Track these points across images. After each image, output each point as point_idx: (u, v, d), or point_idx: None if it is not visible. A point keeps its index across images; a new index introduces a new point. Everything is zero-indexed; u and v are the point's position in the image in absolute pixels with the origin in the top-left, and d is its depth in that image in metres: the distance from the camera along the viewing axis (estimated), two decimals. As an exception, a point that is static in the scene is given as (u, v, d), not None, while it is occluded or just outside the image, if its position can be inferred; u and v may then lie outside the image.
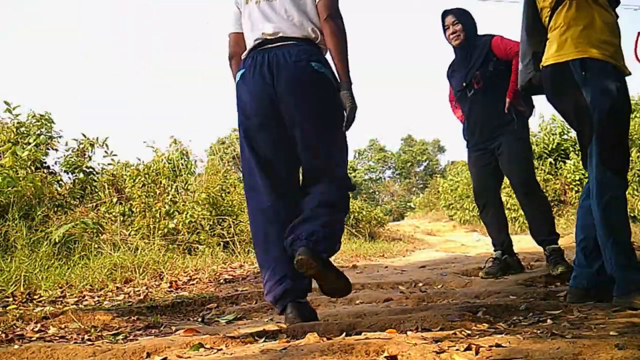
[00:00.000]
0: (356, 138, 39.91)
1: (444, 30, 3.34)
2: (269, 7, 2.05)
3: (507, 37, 3.21)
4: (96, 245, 3.97)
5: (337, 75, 2.03)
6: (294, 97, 1.96)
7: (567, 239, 6.21)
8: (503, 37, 3.21)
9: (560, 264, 2.97)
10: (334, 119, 2.01)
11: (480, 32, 3.34)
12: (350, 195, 2.19)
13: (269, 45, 2.02)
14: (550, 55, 2.17)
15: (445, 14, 3.32)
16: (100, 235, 4.22)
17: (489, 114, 3.21)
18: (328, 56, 2.07)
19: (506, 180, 3.40)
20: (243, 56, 2.10)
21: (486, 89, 3.21)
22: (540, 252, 4.86)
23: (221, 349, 1.68)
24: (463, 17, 3.28)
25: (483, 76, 3.21)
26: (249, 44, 2.08)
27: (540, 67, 2.23)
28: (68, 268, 3.35)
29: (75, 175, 5.23)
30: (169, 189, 5.34)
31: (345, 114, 1.99)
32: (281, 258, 1.98)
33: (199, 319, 2.41)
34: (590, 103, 2.04)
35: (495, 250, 3.33)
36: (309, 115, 1.97)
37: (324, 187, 2.00)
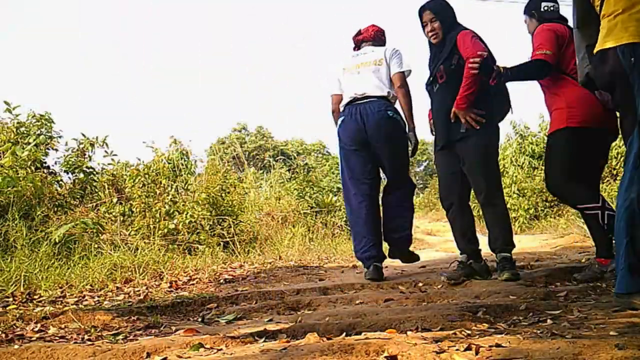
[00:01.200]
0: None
1: (423, 27, 3.16)
2: (358, 77, 3.41)
3: (473, 36, 2.99)
4: (96, 245, 3.97)
5: (404, 118, 3.40)
6: (378, 134, 3.30)
7: (567, 239, 6.20)
8: (467, 35, 2.99)
9: (506, 270, 2.90)
10: (405, 148, 3.46)
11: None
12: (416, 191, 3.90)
13: (359, 101, 3.35)
14: (599, 42, 2.05)
15: (422, 9, 3.13)
16: (100, 235, 4.22)
17: (450, 112, 3.01)
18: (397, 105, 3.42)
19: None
20: (341, 107, 3.44)
21: (449, 85, 3.02)
22: (540, 252, 4.89)
23: (221, 349, 1.69)
24: (441, 13, 3.08)
25: (446, 71, 3.04)
26: (345, 99, 3.42)
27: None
28: (68, 268, 3.35)
29: (75, 175, 5.22)
30: (169, 189, 5.33)
31: (410, 145, 3.46)
32: (369, 232, 3.39)
33: (199, 319, 2.41)
34: (636, 92, 1.91)
35: (461, 254, 3.18)
36: (389, 146, 3.36)
37: (401, 192, 3.52)
